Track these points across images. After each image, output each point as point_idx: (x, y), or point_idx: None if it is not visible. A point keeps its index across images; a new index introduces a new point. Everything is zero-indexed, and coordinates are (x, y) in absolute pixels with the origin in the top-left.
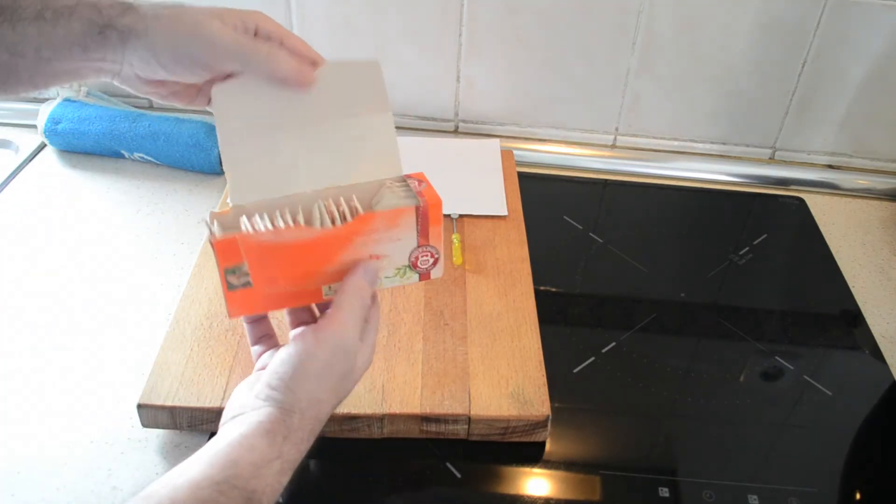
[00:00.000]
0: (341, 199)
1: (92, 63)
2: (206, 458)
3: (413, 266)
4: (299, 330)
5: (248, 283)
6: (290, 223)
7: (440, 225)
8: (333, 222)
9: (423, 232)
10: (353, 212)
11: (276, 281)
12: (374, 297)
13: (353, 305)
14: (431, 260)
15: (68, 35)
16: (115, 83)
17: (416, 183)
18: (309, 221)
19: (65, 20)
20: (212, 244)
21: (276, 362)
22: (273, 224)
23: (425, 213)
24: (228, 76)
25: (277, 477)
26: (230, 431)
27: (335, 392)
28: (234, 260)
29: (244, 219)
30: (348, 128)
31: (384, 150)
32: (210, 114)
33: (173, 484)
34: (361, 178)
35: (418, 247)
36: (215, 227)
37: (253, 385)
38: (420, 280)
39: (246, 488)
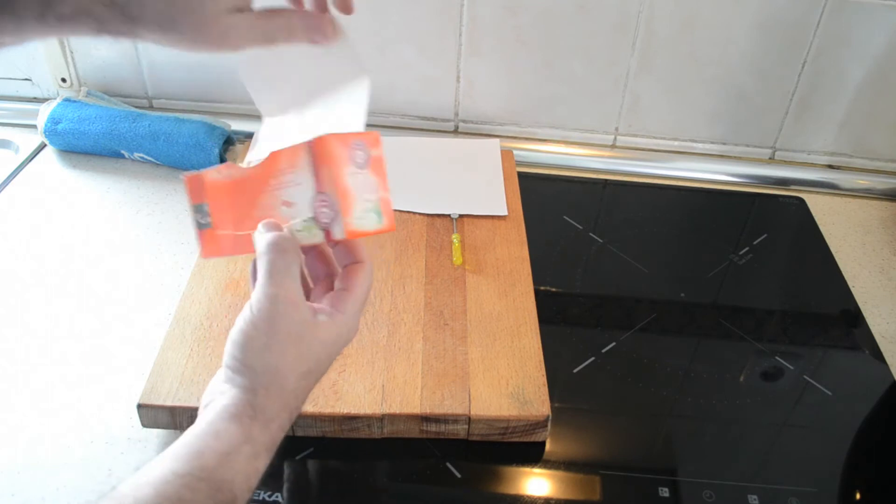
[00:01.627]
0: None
1: None
2: (172, 453)
3: (316, 219)
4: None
5: (209, 224)
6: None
7: (336, 167)
8: None
9: (317, 175)
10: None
11: (227, 222)
12: (365, 267)
13: (288, 269)
14: (330, 213)
15: None
16: (93, 30)
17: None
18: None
19: None
20: (183, 180)
21: (227, 342)
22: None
23: (317, 150)
24: None
25: (250, 462)
26: (199, 421)
27: (300, 359)
28: (199, 198)
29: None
30: (328, 98)
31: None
32: (210, 113)
33: (138, 482)
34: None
35: (316, 193)
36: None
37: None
38: (326, 240)
39: (213, 479)
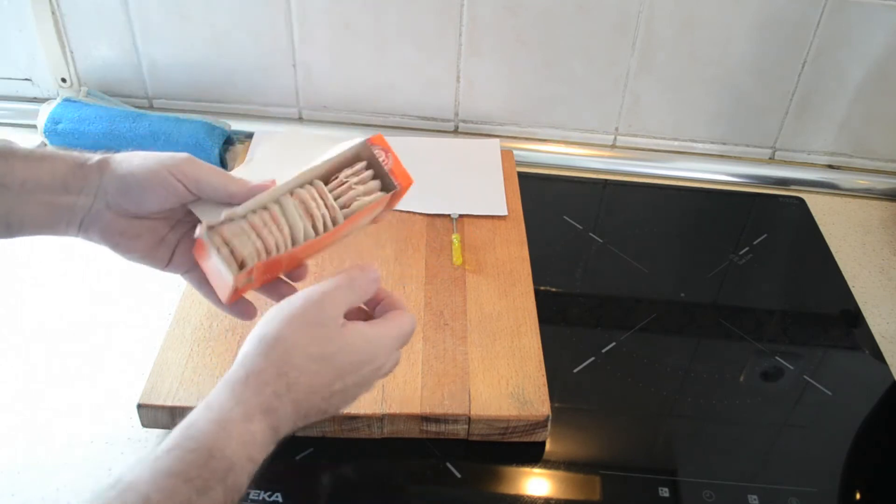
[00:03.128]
0: (318, 198)
1: (68, 198)
2: (171, 433)
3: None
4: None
5: (250, 281)
6: (279, 238)
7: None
8: (315, 230)
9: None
10: (332, 211)
11: (274, 273)
12: (405, 312)
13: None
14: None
15: (53, 171)
16: (81, 236)
17: (383, 154)
18: (294, 230)
19: (50, 160)
20: (233, 287)
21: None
22: (264, 244)
23: (397, 195)
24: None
25: (242, 425)
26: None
27: (313, 340)
28: (246, 286)
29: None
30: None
31: (342, 146)
32: (210, 113)
33: (133, 465)
34: (326, 160)
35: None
36: (224, 256)
37: None
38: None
39: (203, 447)
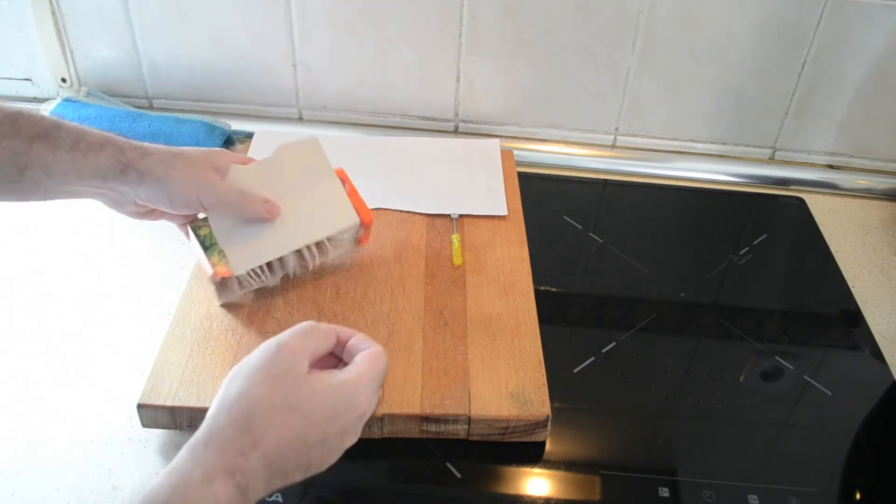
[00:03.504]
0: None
1: (103, 189)
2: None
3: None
4: None
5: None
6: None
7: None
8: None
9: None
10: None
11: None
12: (375, 349)
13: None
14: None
15: (95, 166)
16: (107, 205)
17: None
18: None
19: (94, 154)
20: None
21: None
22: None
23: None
24: None
25: (203, 488)
26: None
27: (275, 391)
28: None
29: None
30: (309, 198)
31: (339, 206)
32: (210, 113)
33: None
34: (326, 233)
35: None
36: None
37: None
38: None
39: None
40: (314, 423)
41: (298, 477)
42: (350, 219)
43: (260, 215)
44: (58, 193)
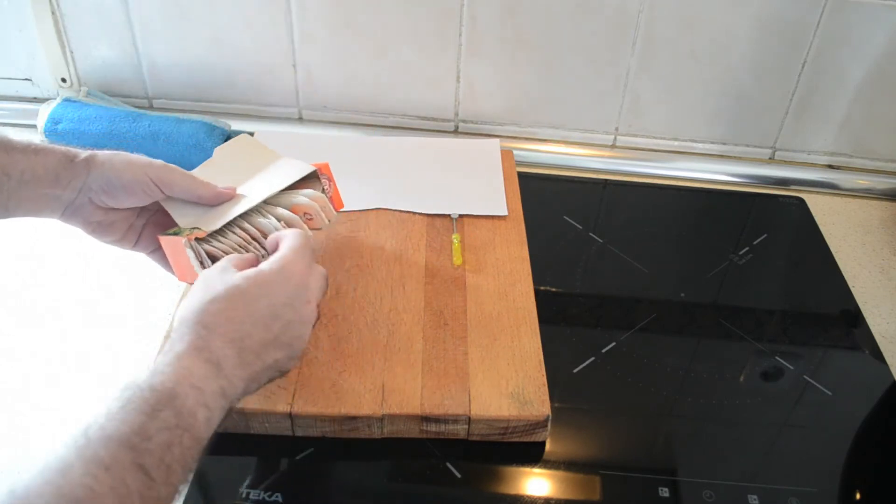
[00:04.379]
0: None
1: (57, 190)
2: None
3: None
4: None
5: None
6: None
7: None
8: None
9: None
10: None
11: None
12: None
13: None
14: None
15: (46, 164)
16: (65, 221)
17: (327, 183)
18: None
19: (45, 153)
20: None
21: None
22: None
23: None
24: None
25: (175, 363)
26: None
27: (206, 289)
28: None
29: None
30: (262, 175)
31: (293, 167)
32: (210, 113)
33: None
34: (284, 183)
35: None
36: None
37: None
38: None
39: (134, 385)
40: (256, 297)
41: (274, 354)
42: (305, 168)
43: (214, 189)
44: (16, 201)
